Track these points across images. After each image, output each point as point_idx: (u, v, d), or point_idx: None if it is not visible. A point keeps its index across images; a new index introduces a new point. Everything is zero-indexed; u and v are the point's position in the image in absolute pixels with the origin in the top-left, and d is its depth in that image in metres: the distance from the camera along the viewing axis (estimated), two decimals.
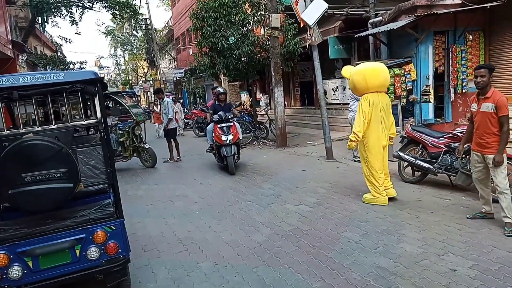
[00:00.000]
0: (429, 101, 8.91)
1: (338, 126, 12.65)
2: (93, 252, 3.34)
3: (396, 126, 8.27)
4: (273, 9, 10.90)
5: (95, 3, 22.33)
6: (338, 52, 12.79)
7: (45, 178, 3.14)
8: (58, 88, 3.25)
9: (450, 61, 9.00)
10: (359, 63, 8.56)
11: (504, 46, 9.02)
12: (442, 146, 6.05)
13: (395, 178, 6.90)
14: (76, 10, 22.72)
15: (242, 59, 12.87)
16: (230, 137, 8.18)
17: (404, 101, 8.81)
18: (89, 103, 4.52)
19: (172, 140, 10.57)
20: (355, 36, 10.22)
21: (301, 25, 9.80)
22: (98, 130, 3.63)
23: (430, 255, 3.92)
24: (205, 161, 10.05)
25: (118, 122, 10.34)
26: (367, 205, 5.63)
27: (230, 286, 3.67)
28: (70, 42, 35.42)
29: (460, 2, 8.84)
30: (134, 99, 13.60)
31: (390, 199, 5.71)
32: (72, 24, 22.53)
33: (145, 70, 40.42)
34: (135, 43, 44.83)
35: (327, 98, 12.58)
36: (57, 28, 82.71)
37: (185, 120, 18.65)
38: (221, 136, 8.17)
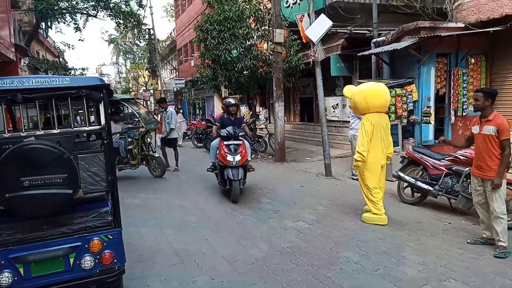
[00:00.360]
0: (430, 123, 8.93)
1: (337, 143, 12.65)
2: (87, 261, 3.26)
3: (396, 146, 8.32)
4: (277, 25, 10.98)
5: (100, 11, 22.51)
6: (340, 70, 12.87)
7: (44, 183, 3.08)
8: (63, 93, 3.21)
9: (452, 83, 9.05)
10: (361, 82, 8.61)
11: (506, 70, 9.08)
12: (443, 168, 6.03)
13: (394, 198, 6.87)
14: (81, 17, 22.88)
15: (244, 72, 12.94)
16: (238, 157, 6.92)
17: (405, 121, 8.82)
18: (92, 109, 4.49)
19: (173, 149, 10.60)
20: (358, 54, 10.28)
21: (305, 41, 9.86)
22: (101, 136, 3.57)
23: (431, 280, 3.85)
24: (203, 172, 9.91)
25: (128, 128, 10.04)
26: (366, 224, 5.56)
27: None
28: (73, 48, 35.56)
29: (463, 25, 8.94)
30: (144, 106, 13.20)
31: (389, 220, 5.65)
32: (76, 31, 22.66)
33: (146, 79, 40.52)
34: (137, 52, 45.02)
35: (326, 115, 12.60)
36: (60, 34, 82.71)
37: (184, 131, 18.62)
38: (227, 156, 6.92)
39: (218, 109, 24.16)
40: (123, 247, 3.44)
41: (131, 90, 48.43)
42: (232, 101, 8.06)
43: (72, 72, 24.46)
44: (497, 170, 4.40)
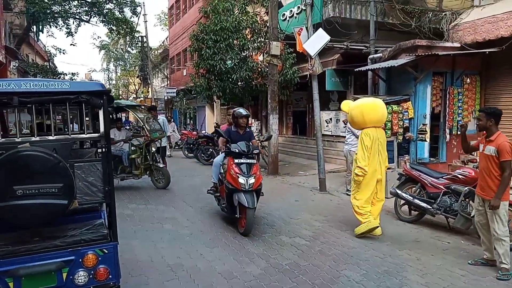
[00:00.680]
0: (425, 140, 8.95)
1: (330, 158, 12.57)
2: (81, 277, 3.07)
3: (391, 163, 8.31)
4: (274, 37, 10.97)
5: (93, 17, 22.34)
6: (335, 85, 12.89)
7: (38, 192, 2.89)
8: (62, 97, 3.06)
9: (447, 102, 9.12)
10: (358, 97, 8.59)
11: (499, 91, 9.20)
12: (442, 187, 5.98)
13: (391, 216, 6.79)
14: (73, 22, 22.66)
15: (238, 83, 12.87)
16: (252, 180, 5.69)
17: (401, 138, 8.82)
18: (87, 118, 4.33)
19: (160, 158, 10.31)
20: (355, 70, 10.31)
21: (302, 54, 9.85)
22: (100, 145, 3.41)
23: None
24: (194, 183, 9.80)
25: (132, 136, 9.60)
26: (365, 242, 5.45)
27: None
28: (64, 53, 35.19)
29: (459, 45, 9.04)
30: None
31: (386, 238, 5.60)
32: (67, 36, 22.41)
33: (137, 87, 40.24)
34: (128, 59, 44.77)
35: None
36: (51, 38, 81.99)
37: (176, 141, 18.40)
38: (239, 177, 5.66)
39: (209, 119, 24.02)
40: (118, 262, 3.26)
41: (120, 97, 48.00)
42: (243, 111, 6.51)
43: (62, 77, 24.12)
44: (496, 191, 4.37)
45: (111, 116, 11.33)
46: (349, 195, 8.02)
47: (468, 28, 9.04)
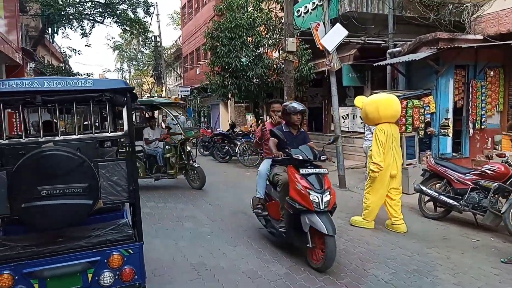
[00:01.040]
0: (448, 135, 8.72)
1: (347, 154, 12.37)
2: (106, 278, 3.02)
3: (412, 158, 8.14)
4: (289, 34, 10.82)
5: (106, 17, 22.47)
6: (352, 80, 12.65)
7: (63, 192, 2.84)
8: (85, 96, 3.00)
9: (470, 96, 8.86)
10: (376, 92, 8.42)
11: None
12: (469, 182, 5.79)
13: (415, 212, 6.63)
14: (87, 23, 22.84)
15: (254, 80, 12.77)
16: (327, 197, 4.34)
17: (422, 133, 8.60)
18: (104, 114, 4.28)
19: None
20: (374, 64, 10.09)
21: (318, 49, 9.69)
22: (122, 143, 3.35)
23: None
24: (212, 180, 9.72)
25: (167, 135, 9.37)
26: (391, 240, 5.32)
27: None
28: (79, 54, 35.50)
29: (481, 37, 8.77)
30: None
31: (412, 235, 5.45)
32: (82, 37, 22.61)
33: (150, 86, 40.44)
34: (142, 59, 45.01)
35: None
36: (66, 39, 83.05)
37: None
38: (310, 194, 4.26)
39: (223, 117, 23.97)
40: (143, 262, 3.20)
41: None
42: (298, 106, 5.12)
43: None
44: None
45: (145, 114, 11.30)
46: None
47: (491, 20, 8.76)
